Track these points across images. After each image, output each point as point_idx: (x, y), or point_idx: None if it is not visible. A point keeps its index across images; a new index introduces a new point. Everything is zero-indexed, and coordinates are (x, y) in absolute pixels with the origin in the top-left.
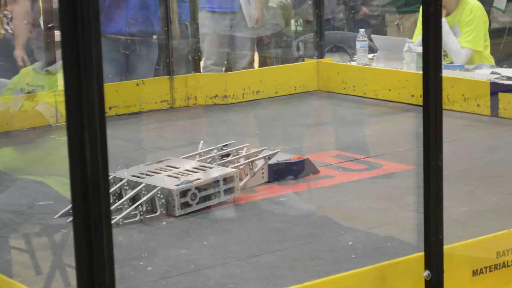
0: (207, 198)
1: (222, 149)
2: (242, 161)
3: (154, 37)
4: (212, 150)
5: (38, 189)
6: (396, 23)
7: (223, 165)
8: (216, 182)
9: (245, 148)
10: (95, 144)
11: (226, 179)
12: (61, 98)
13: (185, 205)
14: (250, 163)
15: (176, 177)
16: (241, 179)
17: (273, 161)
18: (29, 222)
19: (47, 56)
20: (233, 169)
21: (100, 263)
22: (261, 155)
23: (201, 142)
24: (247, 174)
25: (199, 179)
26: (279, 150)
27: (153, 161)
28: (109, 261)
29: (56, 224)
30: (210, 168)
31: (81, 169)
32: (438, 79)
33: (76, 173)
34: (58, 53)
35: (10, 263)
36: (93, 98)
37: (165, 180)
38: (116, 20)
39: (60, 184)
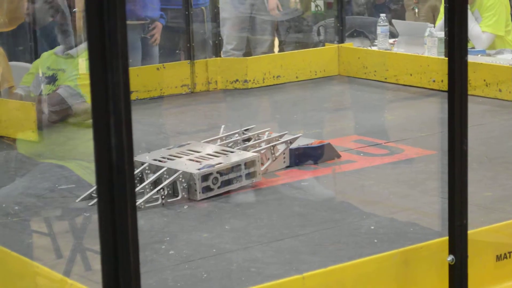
0: (228, 182)
1: (243, 133)
2: (263, 145)
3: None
4: (233, 134)
5: (60, 173)
6: (412, 7)
7: (245, 149)
8: (237, 166)
9: (266, 133)
10: (120, 127)
11: (248, 164)
12: (82, 82)
13: (207, 189)
14: (272, 148)
15: (197, 161)
16: (262, 164)
17: (294, 145)
18: (50, 206)
19: (69, 40)
20: (255, 154)
21: (125, 245)
22: (282, 140)
23: (222, 126)
24: (268, 159)
25: (220, 163)
26: (300, 134)
27: (174, 145)
28: (133, 244)
29: (77, 207)
30: (232, 152)
31: (106, 152)
32: (464, 63)
33: (101, 156)
34: (81, 37)
35: (32, 246)
36: (118, 81)
37: (186, 164)
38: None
39: (82, 168)
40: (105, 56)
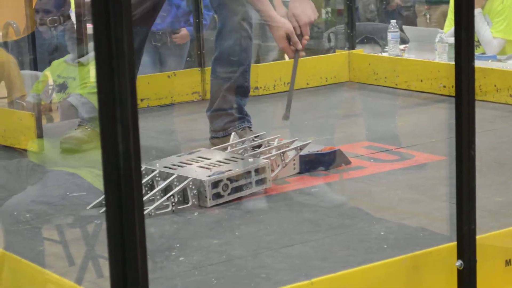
0: (238, 189)
1: (253, 140)
2: (273, 152)
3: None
4: (243, 141)
5: (71, 181)
6: (424, 13)
7: (255, 156)
8: (247, 173)
9: (276, 139)
10: (128, 135)
11: (258, 170)
12: (93, 90)
13: (217, 196)
14: (282, 154)
15: (207, 168)
16: (272, 170)
17: (304, 152)
18: (62, 213)
19: (79, 49)
20: (265, 160)
21: (133, 253)
22: (292, 146)
23: (233, 133)
24: (278, 165)
25: (230, 170)
26: (310, 141)
27: (184, 153)
28: (141, 252)
29: (88, 215)
30: (242, 159)
31: (114, 159)
32: (471, 68)
33: (108, 164)
34: (90, 45)
35: (43, 253)
36: (125, 88)
37: (196, 171)
38: None
39: (93, 175)
40: (111, 64)
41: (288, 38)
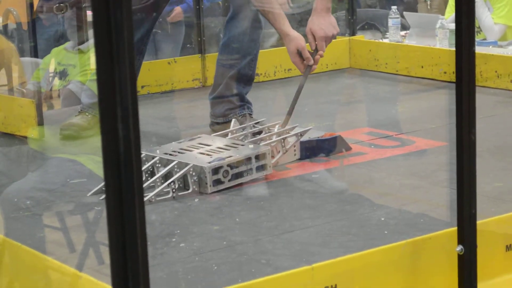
0: (239, 175)
1: (254, 126)
2: (274, 138)
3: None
4: (244, 127)
5: (71, 167)
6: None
7: (255, 142)
8: (248, 159)
9: (277, 126)
10: (127, 121)
11: (258, 156)
12: (94, 77)
13: (217, 182)
14: (282, 140)
15: (208, 155)
16: (273, 156)
17: (305, 138)
18: (62, 200)
19: (79, 36)
20: (265, 147)
21: (133, 239)
22: (293, 132)
23: (233, 120)
24: (279, 151)
25: (231, 156)
26: (311, 127)
27: (185, 139)
28: (141, 238)
29: (89, 201)
30: (242, 145)
31: (114, 145)
32: (471, 54)
33: (108, 150)
34: (90, 32)
35: (44, 240)
36: (125, 75)
37: (197, 158)
38: None
39: (93, 162)
40: (111, 50)
41: (300, 53)
